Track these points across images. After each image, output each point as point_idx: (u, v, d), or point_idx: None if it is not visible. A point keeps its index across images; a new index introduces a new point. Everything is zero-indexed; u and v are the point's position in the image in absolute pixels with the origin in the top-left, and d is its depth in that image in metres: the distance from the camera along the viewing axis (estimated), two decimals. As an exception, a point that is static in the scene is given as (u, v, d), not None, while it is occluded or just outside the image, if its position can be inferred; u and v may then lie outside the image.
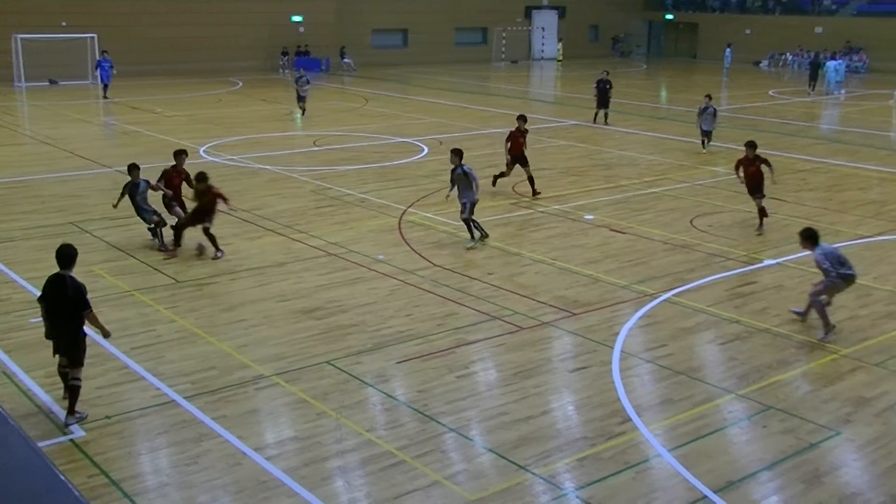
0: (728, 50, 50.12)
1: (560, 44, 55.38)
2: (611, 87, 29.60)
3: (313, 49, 50.12)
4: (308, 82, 30.90)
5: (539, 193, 18.79)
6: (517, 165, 18.90)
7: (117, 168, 21.60)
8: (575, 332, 11.49)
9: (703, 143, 24.13)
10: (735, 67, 51.37)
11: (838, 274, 11.13)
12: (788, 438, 8.75)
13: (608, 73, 29.92)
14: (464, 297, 12.69)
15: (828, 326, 11.30)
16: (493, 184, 19.11)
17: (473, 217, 15.16)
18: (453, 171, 15.33)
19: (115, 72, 36.58)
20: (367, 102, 35.81)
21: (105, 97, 35.69)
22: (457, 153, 15.43)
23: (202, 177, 14.75)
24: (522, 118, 19.35)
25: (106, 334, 9.21)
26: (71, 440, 8.57)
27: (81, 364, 8.98)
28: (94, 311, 8.87)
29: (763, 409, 9.38)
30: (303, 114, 30.86)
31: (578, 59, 57.58)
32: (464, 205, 15.02)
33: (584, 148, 25.61)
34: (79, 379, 8.94)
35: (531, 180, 18.83)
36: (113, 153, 23.96)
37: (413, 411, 9.28)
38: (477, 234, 15.13)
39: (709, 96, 24.13)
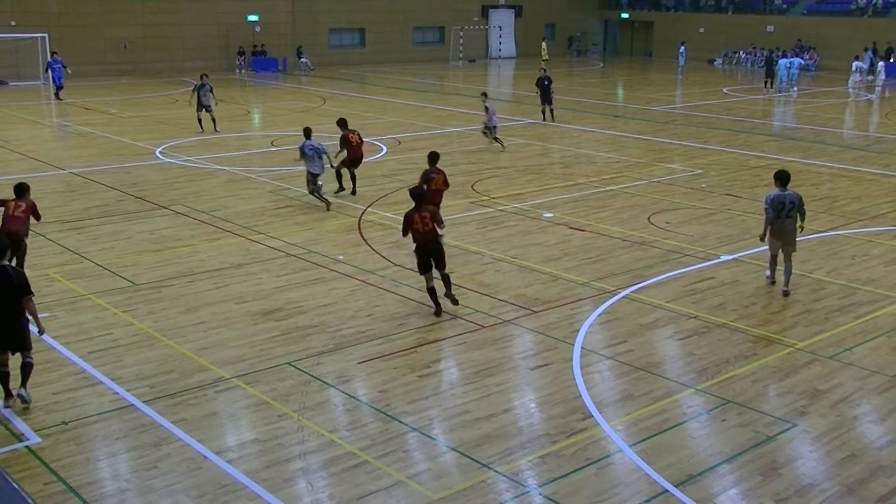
0: (682, 48, 50.67)
1: (544, 42, 54.49)
2: (550, 83, 30.27)
3: (270, 49, 49.80)
4: (211, 90, 26.91)
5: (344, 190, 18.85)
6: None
7: (71, 170, 21.31)
8: (535, 330, 11.55)
9: (496, 140, 24.42)
10: (690, 65, 52.01)
11: (771, 222, 12.76)
12: (746, 431, 8.87)
13: (547, 70, 30.68)
14: (424, 297, 12.65)
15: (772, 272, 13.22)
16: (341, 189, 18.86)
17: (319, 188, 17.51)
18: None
19: (69, 72, 36.02)
20: (325, 102, 35.66)
21: (58, 98, 35.06)
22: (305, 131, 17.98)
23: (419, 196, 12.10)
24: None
25: (41, 329, 9.35)
26: (26, 447, 8.43)
27: (31, 346, 9.28)
28: (51, 314, 8.80)
29: (721, 403, 9.51)
30: (202, 126, 27.07)
31: (535, 58, 57.85)
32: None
33: (542, 146, 25.75)
34: (31, 357, 9.25)
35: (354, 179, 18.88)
36: (67, 155, 23.61)
37: (375, 411, 9.26)
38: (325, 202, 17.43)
39: (484, 94, 24.67)
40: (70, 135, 27.70)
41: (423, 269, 11.86)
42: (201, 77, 27.58)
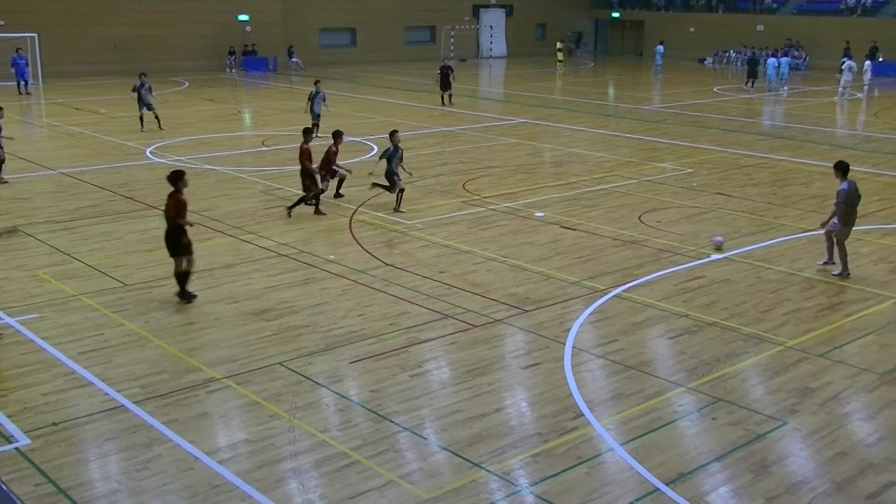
0: (660, 47, 50.51)
1: (560, 43, 53.07)
2: (452, 72, 34.02)
3: (260, 48, 49.72)
4: (150, 89, 27.14)
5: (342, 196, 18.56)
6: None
7: (61, 171, 21.24)
8: (527, 329, 11.56)
9: (315, 126, 24.93)
10: (680, 65, 52.14)
11: (845, 212, 13.37)
12: (737, 430, 8.90)
13: (448, 60, 34.42)
14: (416, 296, 12.69)
15: (830, 257, 13.82)
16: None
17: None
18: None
19: (29, 70, 37.23)
20: (315, 102, 35.54)
21: (27, 93, 36.32)
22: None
23: None
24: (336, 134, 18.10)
25: None
26: (16, 448, 8.39)
27: None
28: (41, 315, 8.82)
29: (712, 401, 9.53)
30: (143, 126, 27.12)
31: (525, 57, 57.94)
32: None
33: (533, 146, 25.77)
34: None
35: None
36: (57, 155, 23.52)
37: (367, 411, 9.26)
38: None
39: (317, 81, 26.31)
40: (60, 135, 27.58)
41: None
42: (140, 76, 27.63)
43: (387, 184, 17.49)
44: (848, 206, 13.47)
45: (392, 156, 17.31)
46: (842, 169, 13.57)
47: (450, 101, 33.98)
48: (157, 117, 27.31)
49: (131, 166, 22.03)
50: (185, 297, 12.38)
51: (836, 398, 9.65)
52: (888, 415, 9.29)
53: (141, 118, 27.23)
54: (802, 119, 31.93)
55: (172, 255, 12.33)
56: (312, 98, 26.24)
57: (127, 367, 10.25)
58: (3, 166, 19.97)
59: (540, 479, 8.02)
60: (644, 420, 9.10)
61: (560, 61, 51.93)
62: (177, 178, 12.36)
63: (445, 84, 33.74)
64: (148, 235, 15.68)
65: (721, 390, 9.77)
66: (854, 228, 13.96)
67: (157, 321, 11.68)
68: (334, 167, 17.91)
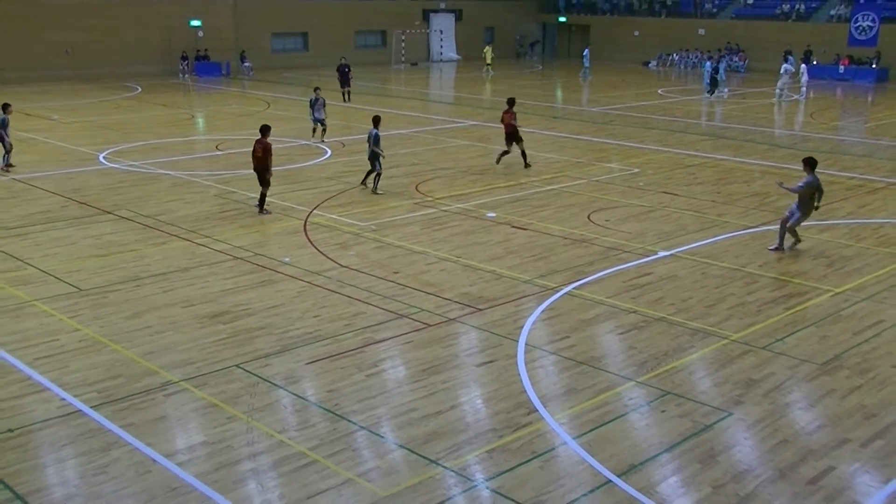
0: (586, 51, 50.71)
1: (489, 47, 52.33)
2: (349, 70, 36.78)
3: (213, 53, 49.33)
4: None
5: (529, 166, 22.33)
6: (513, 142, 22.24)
7: (13, 176, 20.97)
8: (480, 328, 11.76)
9: (313, 131, 26.93)
10: (625, 67, 52.78)
11: (803, 202, 14.74)
12: (685, 421, 9.18)
13: (346, 59, 37.54)
14: (371, 297, 12.82)
15: (780, 244, 15.06)
16: (497, 161, 22.44)
17: None
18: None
19: None
20: (269, 106, 35.49)
21: None
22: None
23: None
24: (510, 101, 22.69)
25: None
26: (-28, 455, 8.38)
27: None
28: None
29: (661, 394, 9.81)
30: None
31: (476, 61, 58.20)
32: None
33: (484, 147, 26.00)
34: None
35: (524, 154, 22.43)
36: (3, 161, 23.16)
37: (324, 411, 9.38)
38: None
39: (317, 88, 27.49)
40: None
41: None
42: None
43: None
44: (807, 195, 14.67)
45: (377, 140, 19.22)
46: (809, 164, 14.80)
47: (348, 97, 36.25)
48: None
49: (84, 171, 21.82)
50: None
51: (778, 388, 9.99)
52: (827, 403, 9.66)
53: None
54: (743, 120, 32.64)
55: None
56: (313, 104, 26.24)
57: (83, 371, 10.24)
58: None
59: (495, 473, 8.20)
60: (596, 414, 9.34)
61: (488, 64, 50.84)
62: None
63: (345, 81, 36.31)
64: (102, 241, 15.60)
65: (669, 383, 10.06)
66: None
67: (113, 325, 11.66)
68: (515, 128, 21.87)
